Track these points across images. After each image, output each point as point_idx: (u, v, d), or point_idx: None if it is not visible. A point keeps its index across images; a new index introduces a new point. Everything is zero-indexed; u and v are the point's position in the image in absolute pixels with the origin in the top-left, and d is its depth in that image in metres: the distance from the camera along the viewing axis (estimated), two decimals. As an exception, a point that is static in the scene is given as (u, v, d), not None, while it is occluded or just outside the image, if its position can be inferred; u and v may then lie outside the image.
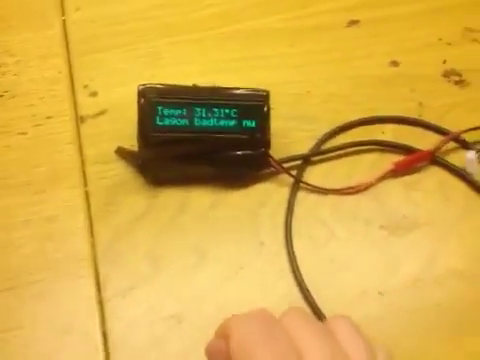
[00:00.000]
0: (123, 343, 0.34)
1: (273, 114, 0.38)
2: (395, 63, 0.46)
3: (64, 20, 0.49)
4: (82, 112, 0.43)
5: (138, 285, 0.36)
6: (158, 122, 0.36)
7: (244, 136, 0.37)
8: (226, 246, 0.38)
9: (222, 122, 0.37)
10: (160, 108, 0.36)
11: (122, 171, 0.40)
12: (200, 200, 0.39)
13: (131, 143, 0.40)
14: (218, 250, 0.37)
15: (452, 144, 0.41)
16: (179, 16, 0.50)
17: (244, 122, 0.37)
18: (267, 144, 0.38)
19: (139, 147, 0.38)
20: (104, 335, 0.35)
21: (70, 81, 0.45)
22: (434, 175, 0.40)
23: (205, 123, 0.37)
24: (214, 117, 0.37)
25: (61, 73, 0.46)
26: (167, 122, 0.36)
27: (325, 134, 0.41)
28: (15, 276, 0.37)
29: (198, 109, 0.37)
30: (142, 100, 0.37)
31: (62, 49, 0.47)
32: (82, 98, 0.44)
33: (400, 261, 0.37)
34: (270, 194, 0.39)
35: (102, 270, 0.37)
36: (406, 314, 0.35)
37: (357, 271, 0.36)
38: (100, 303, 0.36)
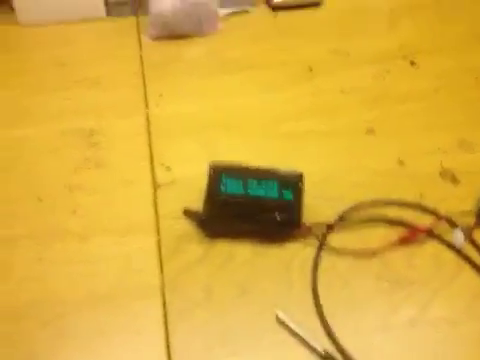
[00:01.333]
0: (183, 350, 0.44)
1: (305, 193, 0.51)
2: (402, 162, 0.59)
3: (147, 112, 0.64)
4: (158, 181, 0.56)
5: (194, 308, 0.46)
6: (222, 189, 0.49)
7: (283, 203, 0.49)
8: (264, 287, 0.48)
9: (267, 192, 0.49)
10: (224, 179, 0.49)
11: (186, 226, 0.52)
12: (245, 251, 0.50)
13: (193, 206, 0.52)
14: (257, 289, 0.48)
15: (445, 224, 0.52)
16: (234, 118, 0.64)
17: (283, 193, 0.50)
18: (300, 211, 0.50)
19: (204, 207, 0.50)
20: (167, 342, 0.45)
21: (150, 158, 0.59)
22: (430, 247, 0.51)
23: (255, 192, 0.49)
24: (262, 188, 0.50)
25: (143, 151, 0.60)
26: (228, 189, 0.49)
27: (346, 210, 0.53)
28: (101, 297, 0.47)
29: (251, 181, 0.50)
30: (212, 172, 0.50)
31: (144, 133, 0.61)
32: (159, 171, 0.57)
33: (400, 306, 0.46)
34: (299, 251, 0.50)
35: (168, 296, 0.47)
36: (404, 345, 0.44)
37: (366, 311, 0.46)
38: (165, 319, 0.46)
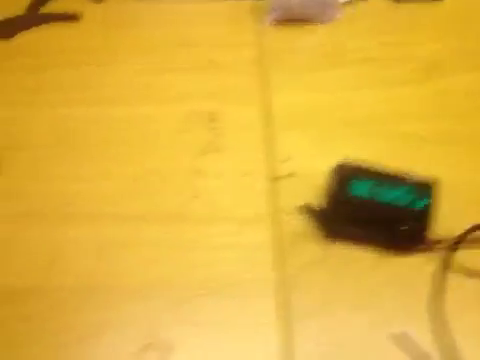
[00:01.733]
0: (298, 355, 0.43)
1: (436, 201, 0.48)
2: None
3: (266, 101, 0.63)
4: (276, 173, 0.55)
5: (310, 314, 0.45)
6: (349, 192, 0.47)
7: (412, 213, 0.47)
8: (381, 300, 0.46)
9: (396, 199, 0.47)
10: (352, 180, 0.48)
11: (303, 223, 0.51)
12: (365, 258, 0.49)
13: (311, 202, 0.51)
14: (375, 302, 0.46)
15: None
16: (352, 113, 0.61)
17: (414, 202, 0.47)
18: (429, 223, 0.47)
19: (327, 207, 0.49)
20: (282, 344, 0.44)
21: (268, 148, 0.58)
22: None
23: (383, 197, 0.47)
24: (391, 194, 0.47)
25: (261, 140, 0.59)
26: (356, 192, 0.47)
27: (475, 225, 0.50)
28: (216, 287, 0.47)
29: (379, 186, 0.47)
30: (340, 171, 0.48)
31: (263, 123, 0.60)
32: (277, 163, 0.56)
33: None
34: (423, 266, 0.48)
35: (284, 296, 0.46)
36: None
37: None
38: (280, 320, 0.45)
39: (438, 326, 0.44)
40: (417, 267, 0.48)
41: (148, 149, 0.57)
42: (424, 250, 0.49)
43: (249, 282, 0.47)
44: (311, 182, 0.53)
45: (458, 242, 0.49)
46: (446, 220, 0.49)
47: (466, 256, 0.48)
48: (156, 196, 0.53)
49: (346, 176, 0.48)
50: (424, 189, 0.48)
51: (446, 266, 0.48)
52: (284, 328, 0.45)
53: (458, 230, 0.49)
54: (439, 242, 0.48)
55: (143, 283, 0.47)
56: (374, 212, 0.47)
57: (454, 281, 0.47)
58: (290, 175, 0.55)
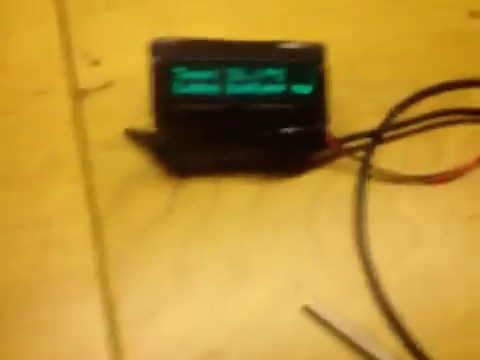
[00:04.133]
0: None
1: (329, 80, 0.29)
2: (476, 14, 0.36)
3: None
4: (82, 85, 0.34)
5: (162, 309, 0.27)
6: (178, 89, 0.27)
7: (294, 106, 0.28)
8: (275, 254, 0.28)
9: (265, 88, 0.28)
10: (180, 70, 0.27)
11: (135, 158, 0.31)
12: (237, 193, 0.30)
13: (145, 122, 0.31)
14: (265, 259, 0.28)
15: None
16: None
17: (294, 87, 0.28)
18: (325, 117, 0.28)
19: (156, 125, 0.29)
20: None
21: (66, 48, 0.36)
22: None
23: (242, 89, 0.27)
24: (254, 81, 0.28)
25: (55, 38, 0.36)
26: (191, 89, 0.27)
27: (397, 104, 0.31)
28: (8, 302, 0.28)
29: (232, 71, 0.27)
30: (156, 59, 0.27)
31: (55, 8, 0.38)
32: (81, 68, 0.35)
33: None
34: (329, 184, 0.30)
35: (114, 289, 0.28)
36: None
37: (456, 284, 0.27)
38: (113, 334, 0.27)
39: (366, 274, 0.27)
40: (320, 186, 0.30)
41: None
42: (325, 159, 0.30)
43: (58, 282, 0.28)
44: (139, 88, 0.32)
45: (377, 136, 0.31)
46: (348, 106, 0.31)
47: (387, 154, 0.31)
48: None
49: (171, 62, 0.28)
50: (307, 62, 0.28)
51: (363, 174, 0.30)
52: (122, 341, 0.26)
53: (368, 119, 0.31)
54: (344, 142, 0.30)
55: None
56: (230, 116, 0.28)
57: (377, 194, 0.29)
58: (105, 85, 0.34)
